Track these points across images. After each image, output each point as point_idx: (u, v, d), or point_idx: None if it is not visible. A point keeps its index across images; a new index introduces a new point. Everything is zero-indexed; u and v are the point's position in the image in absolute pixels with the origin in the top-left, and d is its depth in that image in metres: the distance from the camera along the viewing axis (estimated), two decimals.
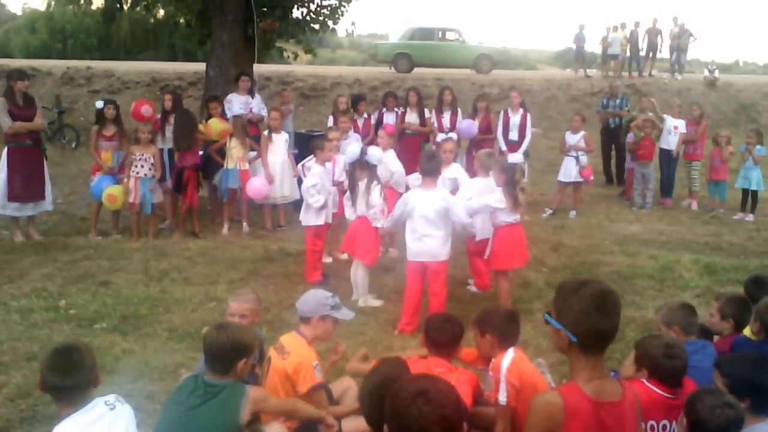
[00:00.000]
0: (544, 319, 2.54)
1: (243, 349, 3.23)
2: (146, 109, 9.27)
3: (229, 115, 9.82)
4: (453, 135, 9.42)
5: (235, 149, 9.13)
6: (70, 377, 2.82)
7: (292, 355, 3.74)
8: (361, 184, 6.63)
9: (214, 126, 9.07)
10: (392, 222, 6.32)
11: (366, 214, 6.59)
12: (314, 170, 7.24)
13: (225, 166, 9.18)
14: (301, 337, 3.88)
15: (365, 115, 10.47)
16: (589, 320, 2.36)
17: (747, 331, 4.18)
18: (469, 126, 10.19)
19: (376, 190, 6.54)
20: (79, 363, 2.85)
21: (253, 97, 10.67)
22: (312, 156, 7.57)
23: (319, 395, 3.76)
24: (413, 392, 2.19)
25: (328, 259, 7.91)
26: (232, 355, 3.20)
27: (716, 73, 21.29)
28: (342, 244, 7.18)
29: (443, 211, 5.87)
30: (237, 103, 10.34)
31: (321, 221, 7.20)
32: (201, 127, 9.15)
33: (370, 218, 6.58)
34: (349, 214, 6.90)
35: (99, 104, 8.89)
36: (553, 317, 2.48)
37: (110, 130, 8.73)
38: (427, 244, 5.91)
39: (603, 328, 2.39)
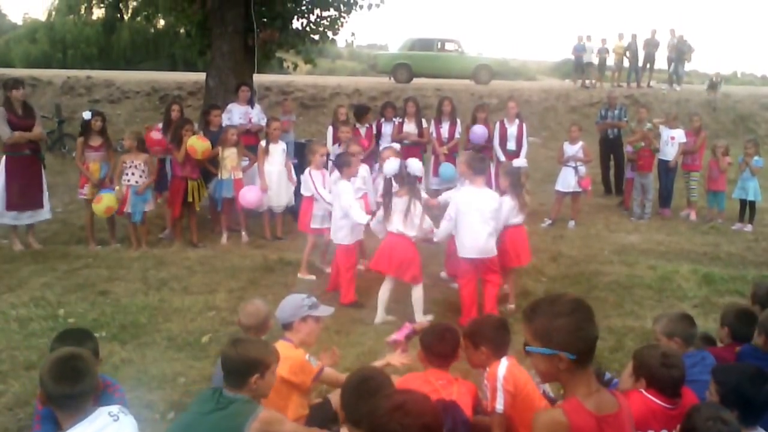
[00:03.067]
0: (526, 352, 2.43)
1: (255, 365, 3.21)
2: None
3: (227, 124, 9.83)
4: (395, 145, 9.02)
5: (228, 159, 9.14)
6: (78, 384, 2.82)
7: (282, 360, 3.76)
8: (400, 201, 6.39)
9: (198, 146, 8.76)
10: (446, 230, 6.38)
11: (404, 231, 6.36)
12: (346, 187, 6.88)
13: (219, 176, 9.19)
14: (287, 342, 3.93)
15: (367, 125, 10.51)
16: (586, 334, 2.36)
17: None
18: (483, 131, 10.25)
19: (419, 207, 6.38)
20: (84, 370, 2.85)
21: (252, 107, 10.72)
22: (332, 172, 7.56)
23: (328, 375, 3.91)
24: (391, 407, 2.22)
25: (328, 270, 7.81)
26: (243, 370, 3.20)
27: (719, 83, 20.45)
28: (372, 261, 6.75)
29: (497, 208, 6.29)
30: (237, 113, 10.39)
31: (357, 238, 6.98)
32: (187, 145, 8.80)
33: (420, 237, 6.48)
34: (379, 229, 6.65)
35: (87, 115, 8.82)
36: (539, 346, 2.38)
37: (97, 141, 8.70)
38: (480, 240, 6.20)
39: (595, 336, 2.42)
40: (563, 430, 2.32)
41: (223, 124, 9.75)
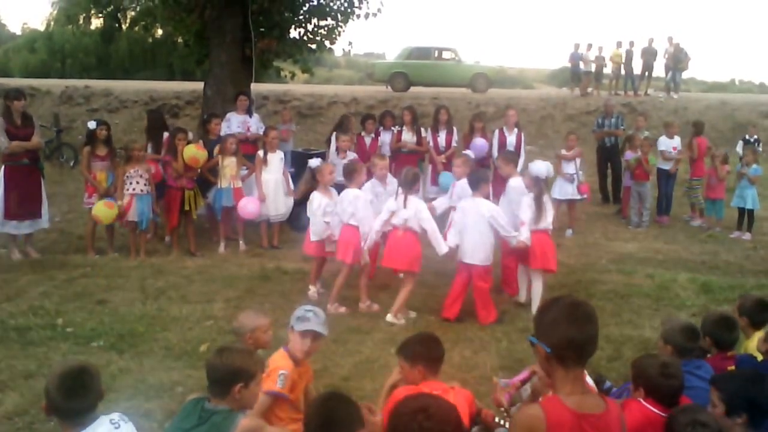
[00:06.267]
0: (529, 341, 2.56)
1: (237, 375, 3.13)
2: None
3: (226, 133, 9.84)
4: (314, 162, 8.34)
5: (227, 168, 9.15)
6: (88, 399, 2.85)
7: (270, 366, 3.77)
8: (529, 199, 7.02)
9: (200, 157, 8.78)
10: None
11: (541, 227, 7.03)
12: (491, 205, 6.89)
13: (218, 185, 9.20)
14: (284, 351, 3.93)
15: (373, 134, 10.53)
16: (560, 329, 2.40)
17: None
18: (483, 144, 10.26)
19: (550, 203, 7.19)
20: (90, 385, 2.87)
21: (251, 116, 10.75)
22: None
23: (264, 402, 3.68)
24: (415, 408, 2.22)
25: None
26: (227, 379, 3.13)
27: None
28: (533, 261, 7.05)
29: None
30: (235, 122, 10.42)
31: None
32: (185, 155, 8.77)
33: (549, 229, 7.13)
34: (527, 234, 6.89)
35: (92, 124, 8.87)
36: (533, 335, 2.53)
37: (103, 150, 8.76)
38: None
39: (576, 337, 2.40)
40: (539, 423, 2.35)
41: (222, 133, 9.77)
